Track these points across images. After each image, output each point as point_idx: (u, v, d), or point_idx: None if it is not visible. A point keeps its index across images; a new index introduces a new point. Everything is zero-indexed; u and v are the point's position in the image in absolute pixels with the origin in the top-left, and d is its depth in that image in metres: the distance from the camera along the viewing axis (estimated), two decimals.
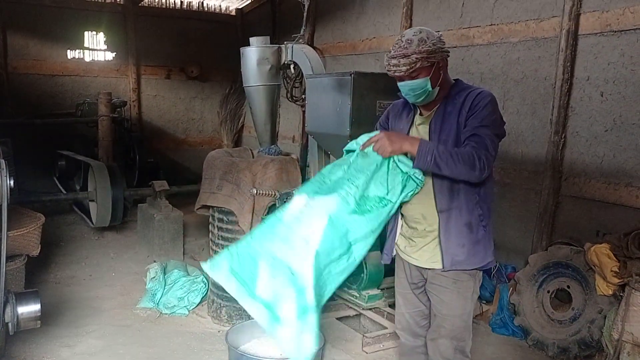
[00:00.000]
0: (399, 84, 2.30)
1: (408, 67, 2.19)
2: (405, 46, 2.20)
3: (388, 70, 2.28)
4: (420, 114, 2.41)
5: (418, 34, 2.22)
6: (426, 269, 2.42)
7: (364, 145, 2.28)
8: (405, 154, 2.24)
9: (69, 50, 8.04)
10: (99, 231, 6.15)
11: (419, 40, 2.19)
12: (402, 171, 2.24)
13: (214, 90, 9.28)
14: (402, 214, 2.45)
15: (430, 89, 2.25)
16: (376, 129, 2.55)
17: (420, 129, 2.38)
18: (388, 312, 3.75)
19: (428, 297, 2.50)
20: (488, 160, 2.14)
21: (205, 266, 2.28)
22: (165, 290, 4.25)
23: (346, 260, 2.22)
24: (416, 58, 2.17)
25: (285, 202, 3.34)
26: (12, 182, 2.36)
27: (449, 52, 2.30)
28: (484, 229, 2.34)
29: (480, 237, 2.33)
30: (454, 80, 2.39)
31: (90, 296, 4.47)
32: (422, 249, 2.40)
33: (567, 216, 4.20)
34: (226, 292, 3.94)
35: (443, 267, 2.33)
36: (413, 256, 2.44)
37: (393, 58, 2.22)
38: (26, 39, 7.71)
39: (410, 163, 2.23)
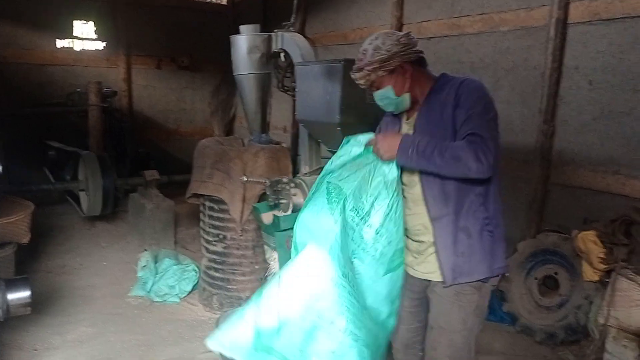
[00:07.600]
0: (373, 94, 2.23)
1: (365, 80, 2.13)
2: (360, 58, 2.11)
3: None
4: (407, 119, 2.28)
5: (374, 41, 2.10)
6: (430, 281, 2.25)
7: (367, 145, 2.17)
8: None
9: (57, 40, 7.96)
10: (90, 221, 6.14)
11: (373, 49, 2.08)
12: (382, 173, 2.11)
13: (205, 81, 9.21)
14: (405, 229, 2.24)
15: (395, 97, 2.13)
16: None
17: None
18: None
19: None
20: (485, 152, 1.92)
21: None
22: (157, 278, 4.26)
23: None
24: (369, 70, 2.09)
25: (275, 190, 3.34)
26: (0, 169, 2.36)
27: (417, 51, 2.13)
28: (491, 234, 2.10)
29: (486, 243, 2.10)
30: (440, 75, 2.21)
31: (82, 285, 4.48)
32: (426, 260, 2.23)
33: (555, 204, 4.24)
34: (217, 280, 3.99)
35: (444, 282, 2.14)
36: (418, 269, 2.27)
37: (353, 72, 2.15)
38: (14, 28, 7.60)
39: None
